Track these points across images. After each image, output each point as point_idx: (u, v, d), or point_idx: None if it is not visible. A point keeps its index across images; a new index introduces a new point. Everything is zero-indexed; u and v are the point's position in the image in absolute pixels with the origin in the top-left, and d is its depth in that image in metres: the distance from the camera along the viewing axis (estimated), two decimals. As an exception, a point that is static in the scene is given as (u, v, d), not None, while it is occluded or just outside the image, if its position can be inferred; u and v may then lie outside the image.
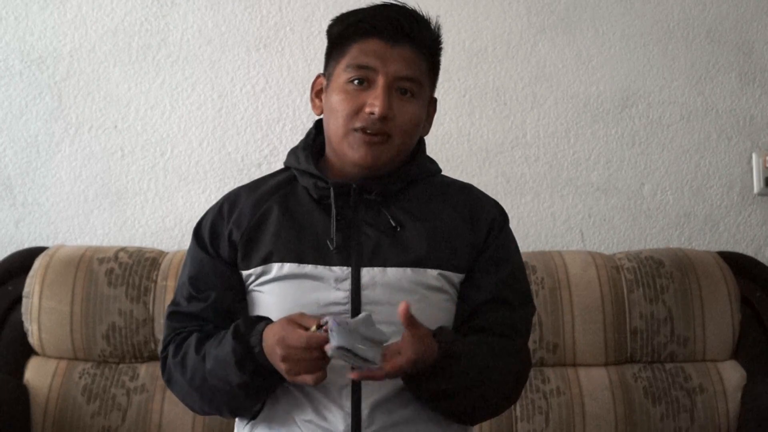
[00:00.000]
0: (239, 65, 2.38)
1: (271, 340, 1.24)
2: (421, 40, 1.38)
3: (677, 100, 2.43)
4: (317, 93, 1.44)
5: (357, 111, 1.34)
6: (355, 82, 1.35)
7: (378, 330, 1.21)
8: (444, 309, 1.38)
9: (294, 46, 2.38)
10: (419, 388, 1.30)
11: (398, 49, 1.35)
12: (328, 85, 1.40)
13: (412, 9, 1.40)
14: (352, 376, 1.22)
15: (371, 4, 1.41)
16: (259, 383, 1.30)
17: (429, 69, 1.41)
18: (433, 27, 1.42)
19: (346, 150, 1.36)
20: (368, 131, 1.34)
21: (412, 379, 1.28)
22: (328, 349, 1.18)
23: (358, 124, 1.34)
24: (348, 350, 1.17)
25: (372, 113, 1.33)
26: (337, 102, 1.36)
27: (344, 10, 1.43)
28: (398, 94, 1.35)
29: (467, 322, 1.38)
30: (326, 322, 1.20)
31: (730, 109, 2.43)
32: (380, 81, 1.34)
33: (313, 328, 1.21)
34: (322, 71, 1.45)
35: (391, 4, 1.41)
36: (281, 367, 1.23)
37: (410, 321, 1.21)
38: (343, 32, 1.38)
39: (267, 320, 1.31)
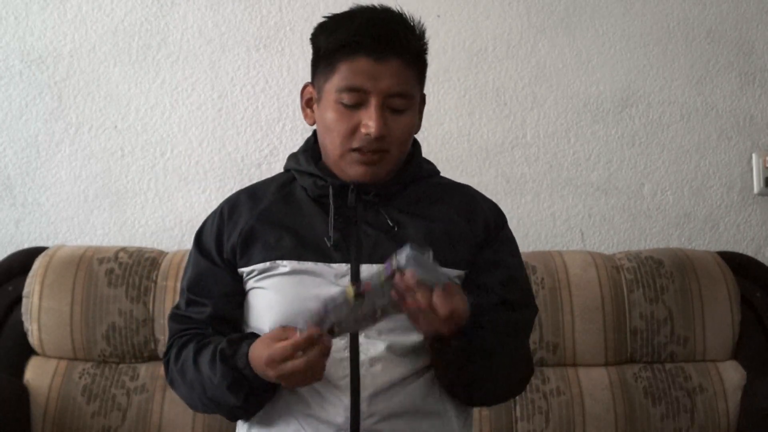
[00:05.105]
0: (239, 65, 2.38)
1: (259, 363, 1.26)
2: (408, 52, 1.36)
3: (677, 100, 2.43)
4: (307, 102, 1.44)
5: (353, 131, 1.35)
6: (347, 102, 1.35)
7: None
8: None
9: (294, 46, 2.38)
10: (447, 346, 1.29)
11: (387, 65, 1.33)
12: (319, 98, 1.40)
13: (397, 15, 1.38)
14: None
15: (356, 8, 1.39)
16: (254, 399, 1.34)
17: (417, 75, 1.40)
18: (418, 32, 1.39)
19: (345, 168, 1.38)
20: (365, 151, 1.35)
21: (441, 339, 1.28)
22: (401, 258, 1.16)
23: (355, 144, 1.35)
24: (420, 256, 1.16)
25: (368, 134, 1.33)
26: (331, 121, 1.36)
27: (344, 9, 1.41)
28: (390, 110, 1.35)
29: (472, 325, 1.38)
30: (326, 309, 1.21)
31: (730, 109, 2.43)
32: (372, 101, 1.33)
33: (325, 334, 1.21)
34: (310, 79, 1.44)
35: (377, 12, 1.39)
36: (279, 380, 1.26)
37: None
38: (330, 48, 1.36)
39: (251, 339, 1.32)
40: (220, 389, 1.32)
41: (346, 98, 1.34)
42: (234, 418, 1.43)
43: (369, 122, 1.33)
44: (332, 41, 1.36)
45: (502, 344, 1.35)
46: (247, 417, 1.41)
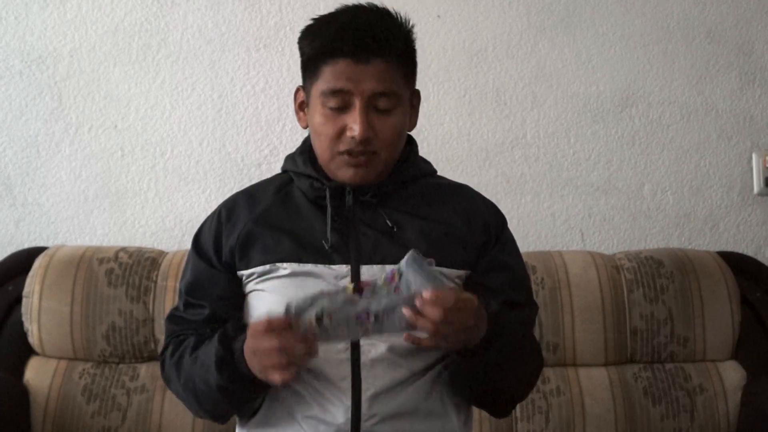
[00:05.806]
0: (239, 65, 2.38)
1: (245, 348, 1.26)
2: (391, 51, 1.34)
3: (677, 100, 2.43)
4: (300, 105, 1.44)
5: (339, 134, 1.35)
6: (332, 106, 1.34)
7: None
8: None
9: (294, 46, 2.30)
10: (469, 360, 1.29)
11: (369, 66, 1.32)
12: (307, 102, 1.40)
13: (381, 13, 1.36)
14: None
15: (341, 8, 1.38)
16: (236, 388, 1.30)
17: (404, 73, 1.38)
18: (404, 30, 1.38)
19: (335, 171, 1.38)
20: (353, 154, 1.35)
21: (463, 353, 1.28)
22: (402, 262, 1.19)
23: (342, 148, 1.35)
24: (421, 260, 1.19)
25: (353, 137, 1.33)
26: (319, 125, 1.36)
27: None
28: (376, 111, 1.34)
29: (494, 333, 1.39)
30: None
31: (730, 109, 2.43)
32: (356, 103, 1.33)
33: (313, 320, 1.20)
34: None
35: (359, 12, 1.37)
36: (254, 364, 1.24)
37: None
38: (313, 53, 1.36)
39: None
40: (207, 369, 1.30)
41: (331, 102, 1.34)
42: (218, 416, 1.40)
43: (353, 125, 1.33)
44: (314, 46, 1.36)
45: (522, 344, 1.37)
46: (234, 409, 1.38)
